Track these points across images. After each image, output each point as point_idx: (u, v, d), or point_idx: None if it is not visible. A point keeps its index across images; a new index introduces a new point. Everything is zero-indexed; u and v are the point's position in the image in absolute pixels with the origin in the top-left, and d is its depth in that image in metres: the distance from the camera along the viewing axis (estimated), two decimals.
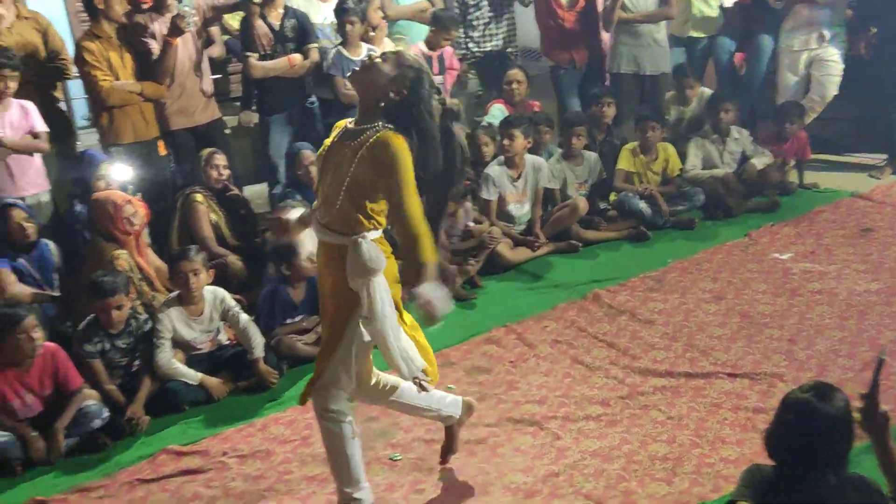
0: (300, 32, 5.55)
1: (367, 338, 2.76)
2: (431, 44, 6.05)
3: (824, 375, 3.76)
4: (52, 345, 3.67)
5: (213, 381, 3.96)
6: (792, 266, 4.98)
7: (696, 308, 4.54)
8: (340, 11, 5.48)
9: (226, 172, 5.02)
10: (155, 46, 5.13)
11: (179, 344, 4.02)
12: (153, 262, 4.50)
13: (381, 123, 2.67)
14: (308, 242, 3.12)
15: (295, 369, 4.19)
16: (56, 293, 4.39)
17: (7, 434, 3.46)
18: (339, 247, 2.69)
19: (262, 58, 5.48)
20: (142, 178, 5.11)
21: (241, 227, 5.08)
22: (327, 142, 2.81)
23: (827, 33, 6.25)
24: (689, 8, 6.50)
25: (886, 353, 2.30)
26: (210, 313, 4.08)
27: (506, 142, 5.41)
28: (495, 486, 3.19)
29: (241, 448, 3.55)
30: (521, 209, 5.54)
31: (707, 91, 6.45)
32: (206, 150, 5.05)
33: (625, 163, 5.89)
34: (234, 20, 6.63)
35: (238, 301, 4.22)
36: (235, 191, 5.13)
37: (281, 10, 5.51)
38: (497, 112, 6.06)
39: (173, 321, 3.97)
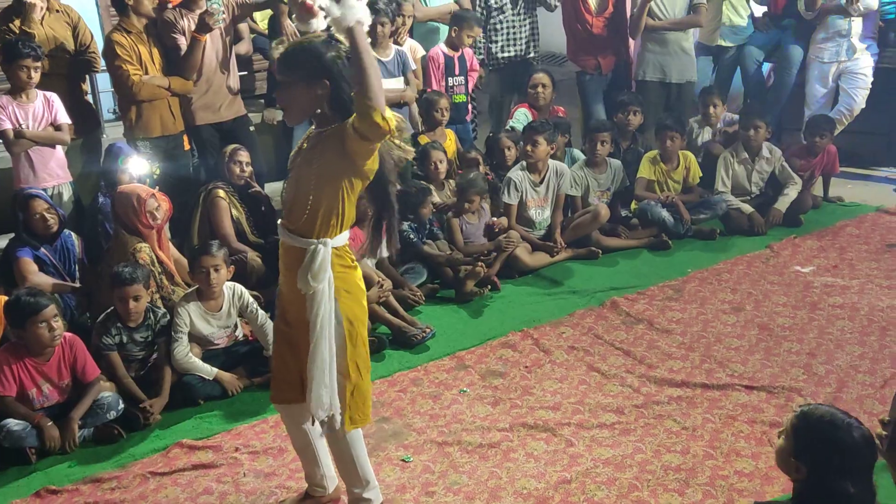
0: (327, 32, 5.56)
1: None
2: (454, 44, 6.05)
3: (843, 391, 3.72)
4: (70, 335, 3.71)
5: (228, 377, 3.98)
6: (813, 279, 4.92)
7: (715, 319, 4.50)
8: (371, 12, 5.47)
9: (248, 169, 5.05)
10: (183, 42, 5.17)
11: (196, 338, 4.04)
12: (174, 256, 4.53)
13: (338, 123, 2.57)
14: None
15: None
16: (77, 284, 4.44)
17: (23, 423, 3.49)
18: (299, 250, 2.65)
19: None
20: (165, 172, 5.16)
21: (262, 224, 5.10)
22: (294, 152, 2.77)
23: (858, 45, 6.18)
24: (719, 16, 6.46)
25: None
26: (228, 309, 4.10)
27: (529, 147, 5.40)
28: (507, 491, 3.18)
29: (253, 444, 3.56)
30: (541, 214, 5.53)
31: (728, 115, 6.36)
32: (230, 147, 5.09)
33: (646, 171, 5.85)
34: (261, 23, 6.69)
35: (256, 298, 4.24)
36: (257, 188, 5.15)
37: None
38: (521, 116, 6.06)
39: (191, 316, 3.99)
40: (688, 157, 5.93)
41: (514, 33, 6.42)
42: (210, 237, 4.79)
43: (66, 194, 4.89)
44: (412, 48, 5.97)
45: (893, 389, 3.68)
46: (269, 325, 4.07)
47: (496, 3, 6.35)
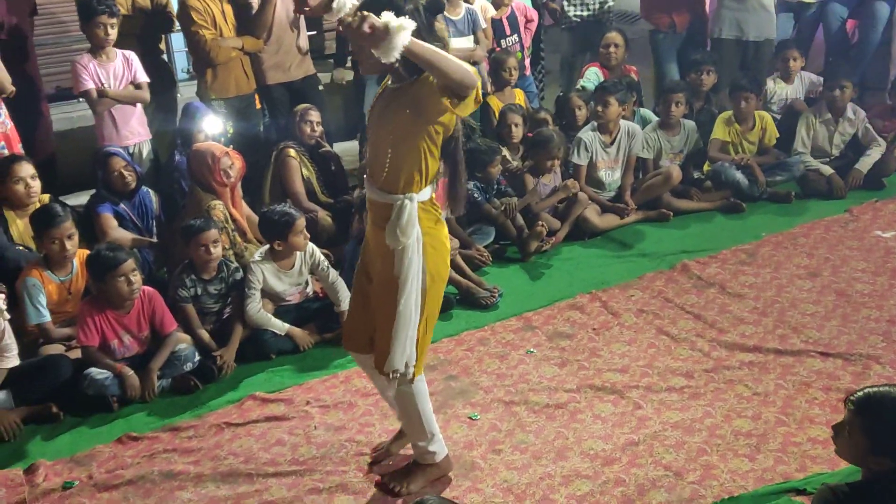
0: None
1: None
2: (498, 3, 5.96)
3: None
4: (149, 289, 3.82)
5: (299, 332, 4.06)
6: (895, 245, 4.75)
7: (790, 284, 4.40)
8: None
9: (319, 129, 5.09)
10: (255, 1, 5.21)
11: (269, 295, 4.12)
12: (246, 213, 4.61)
13: (415, 77, 2.53)
14: None
15: None
16: (154, 239, 4.57)
17: (106, 372, 3.63)
18: (386, 205, 2.66)
19: None
20: (238, 131, 5.24)
21: (332, 184, 5.15)
22: (370, 109, 2.76)
23: None
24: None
25: None
26: (300, 267, 4.16)
27: (599, 108, 5.31)
28: (573, 452, 3.19)
29: (324, 398, 3.64)
30: (611, 176, 5.45)
31: (806, 76, 6.14)
32: (301, 106, 5.13)
33: (720, 132, 5.70)
34: None
35: (326, 256, 4.30)
36: (327, 147, 5.19)
37: None
38: (592, 76, 5.95)
39: (265, 273, 4.06)
40: (764, 117, 5.76)
41: None
42: (282, 196, 4.87)
43: (146, 151, 5.01)
44: (483, 7, 5.90)
45: None
46: (340, 282, 4.13)
47: None
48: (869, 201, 5.37)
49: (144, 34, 5.25)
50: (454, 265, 4.56)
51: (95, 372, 3.61)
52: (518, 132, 5.44)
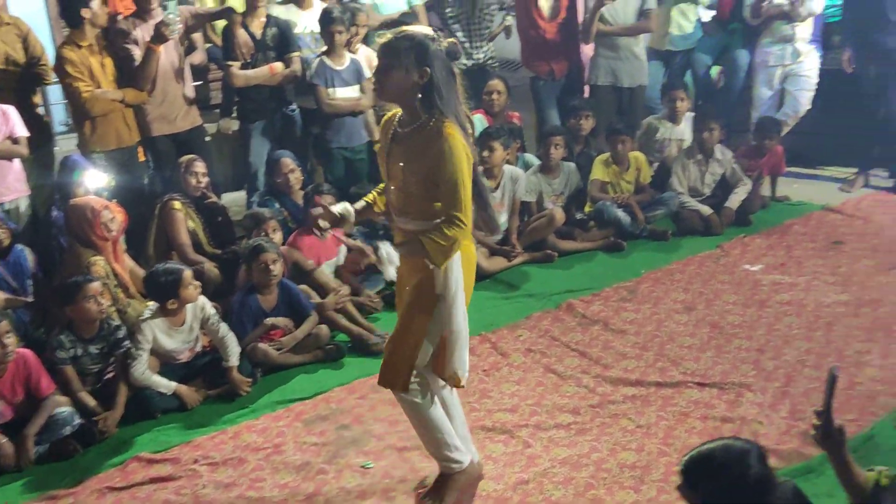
0: (281, 41, 5.58)
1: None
2: None
3: (791, 385, 3.82)
4: (24, 350, 3.67)
5: (186, 390, 3.96)
6: (762, 277, 5.05)
7: (668, 318, 4.60)
8: (327, 20, 5.49)
9: (204, 180, 5.05)
10: (137, 52, 5.15)
11: (159, 354, 4.02)
12: (130, 267, 4.51)
13: (428, 117, 2.76)
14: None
15: (269, 377, 4.21)
16: (30, 299, 4.40)
17: None
18: (418, 231, 2.80)
19: (244, 66, 5.51)
20: (121, 184, 5.13)
21: (219, 235, 5.09)
22: (384, 137, 2.94)
23: (802, 49, 6.35)
24: (668, 22, 6.59)
25: (837, 371, 2.32)
26: (191, 323, 4.08)
27: (485, 153, 5.45)
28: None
29: (212, 455, 3.56)
30: (499, 218, 5.59)
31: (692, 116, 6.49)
32: (186, 157, 5.08)
33: (599, 173, 5.95)
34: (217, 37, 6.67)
35: (215, 309, 4.24)
36: (214, 198, 5.14)
37: (262, 19, 5.54)
38: (477, 122, 6.11)
39: (155, 331, 3.97)
40: (638, 158, 6.06)
41: (472, 41, 6.48)
42: (167, 249, 4.79)
43: (24, 207, 4.85)
44: (367, 57, 6.00)
45: (839, 384, 3.79)
46: (230, 336, 4.07)
47: (451, 12, 6.41)
48: (737, 237, 5.69)
49: (18, 87, 5.10)
50: (345, 312, 4.58)
51: None
52: None
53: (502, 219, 5.59)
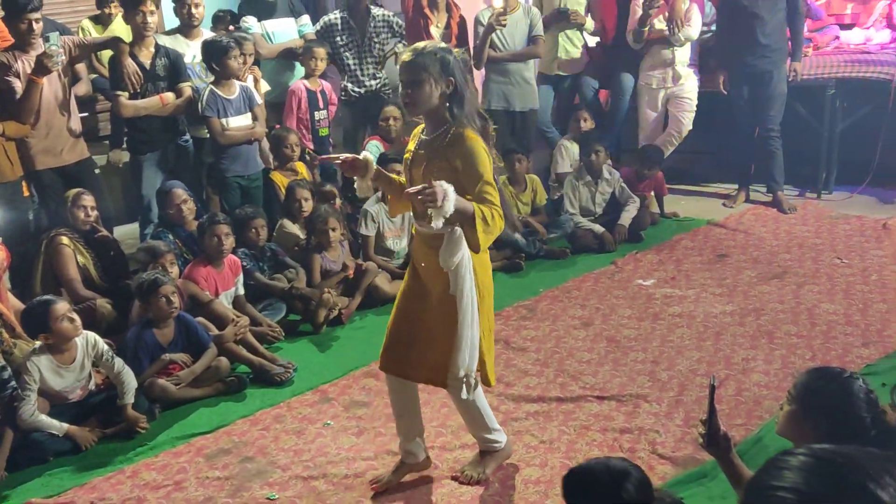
0: (172, 71, 5.48)
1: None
2: (311, 76, 6.12)
3: (684, 394, 3.98)
4: None
5: (79, 431, 3.80)
6: (654, 291, 5.24)
7: (566, 334, 4.72)
8: (217, 50, 5.43)
9: (94, 213, 4.90)
10: (18, 85, 4.97)
11: (48, 394, 3.85)
12: (14, 306, 4.32)
13: (449, 125, 2.98)
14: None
15: (168, 412, 4.11)
16: None
17: None
18: (438, 236, 2.99)
19: (133, 96, 5.39)
20: (3, 220, 4.92)
21: (111, 269, 4.95)
22: (410, 147, 3.16)
23: (682, 72, 6.67)
24: (556, 48, 6.81)
25: (716, 380, 2.43)
26: (82, 360, 3.93)
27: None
28: None
29: (109, 497, 3.43)
30: (399, 244, 5.63)
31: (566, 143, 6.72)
32: (73, 191, 4.92)
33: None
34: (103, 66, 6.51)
35: (108, 345, 4.10)
36: (104, 232, 4.99)
37: (151, 49, 5.43)
38: (373, 148, 6.15)
39: (42, 371, 3.80)
40: (534, 180, 6.21)
41: (364, 69, 6.53)
42: (55, 285, 4.62)
43: None
44: (256, 84, 5.98)
45: (728, 390, 3.99)
46: (126, 372, 3.95)
47: (341, 40, 6.45)
48: (630, 253, 5.90)
49: None
50: (245, 343, 4.51)
51: None
52: (308, 206, 5.51)
53: (403, 243, 5.64)
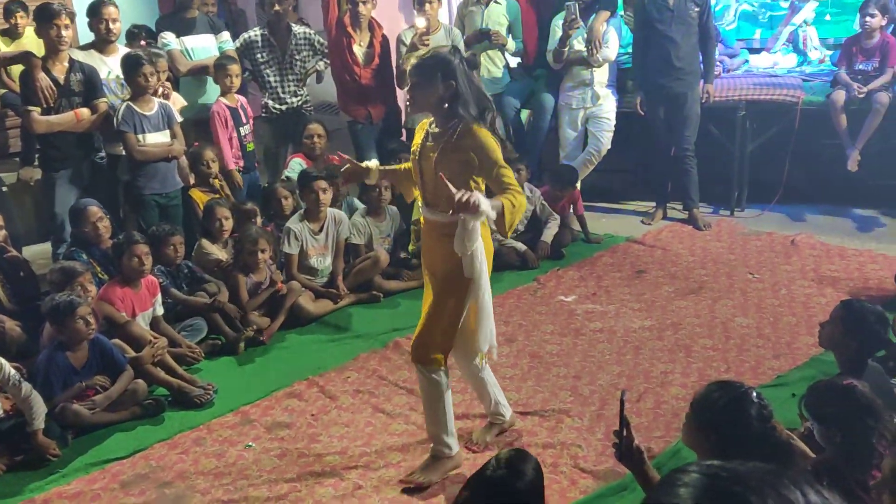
0: (88, 86, 5.34)
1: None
2: (227, 93, 6.04)
3: (605, 408, 4.05)
4: None
5: None
6: (576, 307, 5.32)
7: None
8: (133, 65, 5.32)
9: (2, 233, 4.73)
10: None
11: None
12: None
13: (457, 121, 3.18)
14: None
15: (82, 437, 3.97)
16: None
17: None
18: (447, 224, 3.20)
19: (46, 112, 5.22)
20: None
21: (21, 291, 4.77)
22: (417, 141, 3.37)
23: (601, 92, 6.82)
24: (477, 67, 6.88)
25: (625, 395, 2.49)
26: None
27: (316, 195, 5.45)
28: None
29: None
30: (322, 262, 5.59)
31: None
32: None
33: (419, 213, 6.07)
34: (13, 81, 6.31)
35: (17, 369, 3.95)
36: (13, 252, 4.82)
37: (65, 64, 5.29)
38: (296, 166, 6.11)
39: None
40: None
41: (285, 86, 6.49)
42: None
43: None
44: (174, 101, 5.87)
45: (647, 403, 4.08)
46: (35, 397, 3.80)
47: (262, 57, 6.40)
48: (552, 270, 5.98)
49: None
50: (163, 364, 4.40)
51: None
52: (228, 225, 5.43)
53: (326, 262, 5.60)
